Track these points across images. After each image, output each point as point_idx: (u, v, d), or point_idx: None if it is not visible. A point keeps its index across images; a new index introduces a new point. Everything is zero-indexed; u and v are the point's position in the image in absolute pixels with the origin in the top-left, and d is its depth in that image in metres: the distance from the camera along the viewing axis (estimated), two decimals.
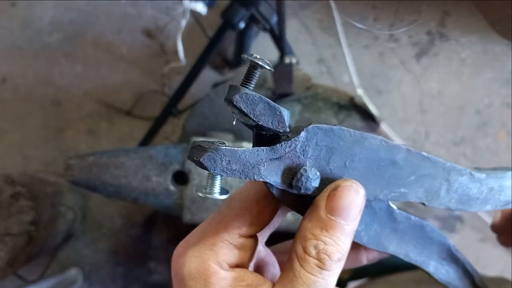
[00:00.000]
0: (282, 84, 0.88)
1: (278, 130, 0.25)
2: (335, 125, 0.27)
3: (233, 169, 0.25)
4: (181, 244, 0.30)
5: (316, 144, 0.26)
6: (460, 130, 1.52)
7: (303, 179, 0.26)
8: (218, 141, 0.25)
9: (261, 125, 0.25)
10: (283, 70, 0.86)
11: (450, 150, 1.51)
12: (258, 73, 0.25)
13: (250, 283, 0.27)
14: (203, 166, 0.24)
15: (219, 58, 1.47)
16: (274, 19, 1.02)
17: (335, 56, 1.54)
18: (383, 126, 0.92)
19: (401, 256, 0.32)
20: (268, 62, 0.25)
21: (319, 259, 0.26)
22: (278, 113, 0.25)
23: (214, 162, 0.24)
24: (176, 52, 1.10)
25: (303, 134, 0.26)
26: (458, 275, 0.34)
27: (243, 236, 0.28)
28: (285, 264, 0.28)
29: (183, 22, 0.96)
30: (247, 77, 0.25)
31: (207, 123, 0.92)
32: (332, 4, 0.88)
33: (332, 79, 1.54)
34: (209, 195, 0.25)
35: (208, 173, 0.25)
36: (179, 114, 1.21)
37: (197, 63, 1.11)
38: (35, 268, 1.34)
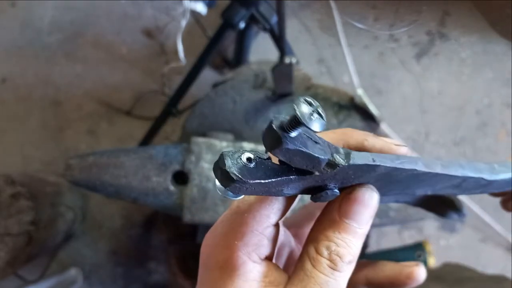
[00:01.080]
0: (282, 84, 0.88)
1: (312, 171, 0.25)
2: (374, 160, 0.25)
3: (257, 191, 0.24)
4: (209, 235, 0.29)
5: (347, 173, 0.26)
6: (460, 130, 1.52)
7: (322, 198, 0.26)
8: (244, 153, 0.24)
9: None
10: (283, 70, 0.86)
11: (450, 150, 1.51)
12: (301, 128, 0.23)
13: (273, 280, 0.28)
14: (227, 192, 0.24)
15: (219, 58, 1.47)
16: (274, 19, 1.01)
17: (335, 56, 1.54)
18: (383, 126, 0.92)
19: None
20: (320, 117, 0.22)
21: (331, 259, 0.26)
22: (316, 161, 0.24)
23: (240, 190, 0.24)
24: (176, 52, 1.10)
25: (338, 169, 0.25)
26: None
27: (272, 225, 0.28)
28: (296, 265, 0.28)
29: (183, 22, 0.96)
30: (291, 125, 0.22)
31: (207, 123, 0.92)
32: (332, 4, 0.88)
33: (332, 79, 1.54)
34: (226, 196, 0.24)
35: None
36: (179, 114, 1.21)
37: (197, 63, 1.11)
38: (35, 268, 1.34)
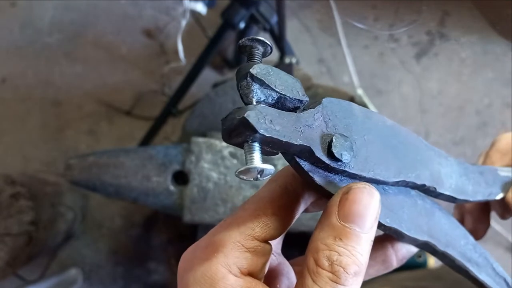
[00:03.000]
0: None
1: (301, 98, 0.24)
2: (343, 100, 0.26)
3: (277, 129, 0.22)
4: (190, 248, 0.27)
5: (336, 116, 0.25)
6: (460, 130, 1.52)
7: (338, 145, 0.24)
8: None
9: (283, 96, 0.23)
10: (283, 70, 0.86)
11: (450, 150, 1.52)
12: (259, 50, 0.24)
13: None
14: (248, 125, 0.21)
15: (219, 58, 1.47)
16: (274, 19, 1.02)
17: (335, 56, 1.54)
18: None
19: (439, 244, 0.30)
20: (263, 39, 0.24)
21: (333, 272, 0.23)
22: (295, 81, 0.24)
23: (258, 119, 0.21)
24: (176, 52, 1.10)
25: (321, 104, 0.25)
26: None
27: (257, 239, 0.25)
28: (297, 282, 0.25)
29: (183, 22, 0.96)
30: (250, 55, 0.24)
31: (207, 123, 0.92)
32: (332, 4, 0.88)
33: (332, 79, 1.54)
34: (251, 165, 0.22)
35: (246, 145, 0.22)
36: (179, 114, 1.21)
37: (197, 63, 1.11)
38: (35, 268, 1.34)
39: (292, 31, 1.54)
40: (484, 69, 1.55)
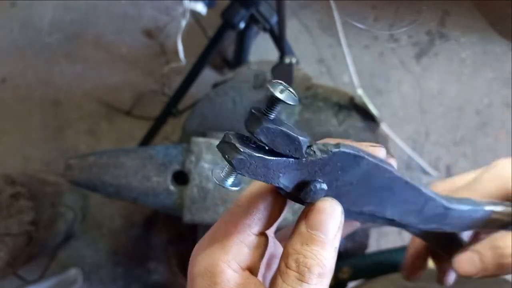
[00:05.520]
0: None
1: (294, 156, 0.26)
2: (358, 151, 0.27)
3: (257, 173, 0.25)
4: (196, 246, 0.30)
5: (336, 164, 0.27)
6: (460, 130, 1.52)
7: (311, 193, 0.27)
8: (250, 139, 0.26)
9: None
10: (283, 70, 0.86)
11: (450, 150, 1.52)
12: (279, 106, 0.25)
13: None
14: (232, 165, 0.25)
15: (219, 58, 1.47)
16: (274, 19, 1.01)
17: (335, 56, 1.54)
18: (383, 126, 0.92)
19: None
20: (292, 94, 0.25)
21: (299, 272, 0.26)
22: (296, 143, 0.25)
23: (244, 165, 0.25)
24: (176, 52, 1.10)
25: (329, 155, 0.27)
26: None
27: (253, 234, 0.28)
28: (270, 283, 0.28)
29: (183, 22, 0.96)
30: (269, 107, 0.25)
31: (207, 123, 0.92)
32: (332, 4, 0.88)
33: (332, 79, 1.54)
34: (222, 185, 0.25)
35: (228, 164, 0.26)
36: (179, 114, 1.21)
37: (197, 63, 1.11)
38: (35, 268, 1.34)
39: (292, 31, 1.54)
40: (484, 69, 1.55)
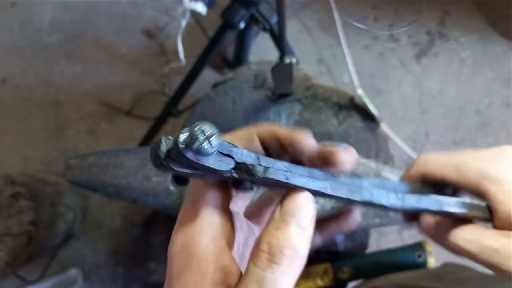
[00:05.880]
0: (282, 84, 0.88)
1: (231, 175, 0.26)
2: (287, 178, 0.27)
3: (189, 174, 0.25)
4: (172, 233, 0.31)
5: (264, 181, 0.28)
6: (460, 130, 1.52)
7: (245, 189, 0.29)
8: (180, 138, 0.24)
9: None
10: (283, 70, 0.86)
11: (450, 150, 1.51)
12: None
13: (225, 265, 0.28)
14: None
15: (219, 58, 1.47)
16: (274, 19, 1.01)
17: (335, 56, 1.54)
18: (383, 126, 0.92)
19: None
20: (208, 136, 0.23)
21: (270, 253, 0.26)
22: (218, 172, 0.25)
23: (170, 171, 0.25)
24: (176, 52, 1.10)
25: (255, 179, 0.27)
26: None
27: (219, 209, 0.29)
28: (243, 274, 0.28)
29: (183, 22, 0.96)
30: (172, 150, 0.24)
31: None
32: (332, 4, 0.88)
33: (332, 79, 1.54)
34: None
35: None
36: (179, 114, 1.21)
37: (197, 63, 1.11)
38: (35, 268, 1.34)
39: (292, 31, 1.54)
40: (484, 69, 1.55)
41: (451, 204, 0.33)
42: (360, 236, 0.94)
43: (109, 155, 0.77)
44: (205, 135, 0.22)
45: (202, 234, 0.28)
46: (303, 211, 0.27)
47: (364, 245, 0.95)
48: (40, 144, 1.49)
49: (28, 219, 1.06)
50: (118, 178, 0.76)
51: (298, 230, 0.27)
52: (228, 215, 0.30)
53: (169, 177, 0.76)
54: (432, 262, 0.87)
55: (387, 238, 1.40)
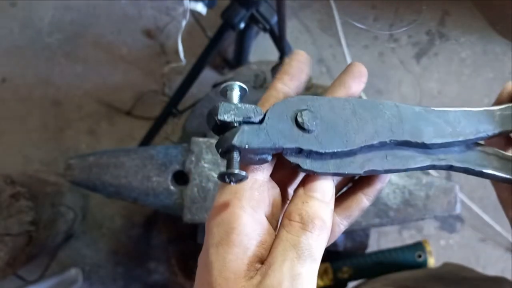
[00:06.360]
0: None
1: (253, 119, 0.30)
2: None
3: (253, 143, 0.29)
4: (213, 206, 0.32)
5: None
6: None
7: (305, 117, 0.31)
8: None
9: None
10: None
11: None
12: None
13: (265, 240, 0.29)
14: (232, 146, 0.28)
15: (219, 58, 1.47)
16: (274, 19, 1.02)
17: (335, 56, 1.54)
18: None
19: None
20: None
21: (302, 222, 0.29)
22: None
23: (241, 141, 0.29)
24: (176, 52, 1.10)
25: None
26: None
27: (260, 179, 0.31)
28: (274, 241, 0.30)
29: (183, 22, 0.96)
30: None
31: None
32: (332, 4, 0.88)
33: (332, 79, 1.53)
34: (230, 171, 0.28)
35: (228, 156, 0.29)
36: (179, 114, 1.21)
37: (197, 63, 1.11)
38: (35, 268, 1.34)
39: (292, 31, 1.54)
40: (484, 69, 1.55)
41: None
42: (360, 236, 0.94)
43: (109, 155, 0.77)
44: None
45: (243, 209, 0.29)
46: (326, 187, 0.31)
47: (364, 245, 0.95)
48: (40, 144, 1.49)
49: (28, 219, 1.06)
50: (118, 178, 0.76)
51: (323, 204, 0.30)
52: (264, 187, 0.31)
53: (169, 177, 0.76)
54: (432, 262, 0.87)
55: (387, 238, 1.40)
